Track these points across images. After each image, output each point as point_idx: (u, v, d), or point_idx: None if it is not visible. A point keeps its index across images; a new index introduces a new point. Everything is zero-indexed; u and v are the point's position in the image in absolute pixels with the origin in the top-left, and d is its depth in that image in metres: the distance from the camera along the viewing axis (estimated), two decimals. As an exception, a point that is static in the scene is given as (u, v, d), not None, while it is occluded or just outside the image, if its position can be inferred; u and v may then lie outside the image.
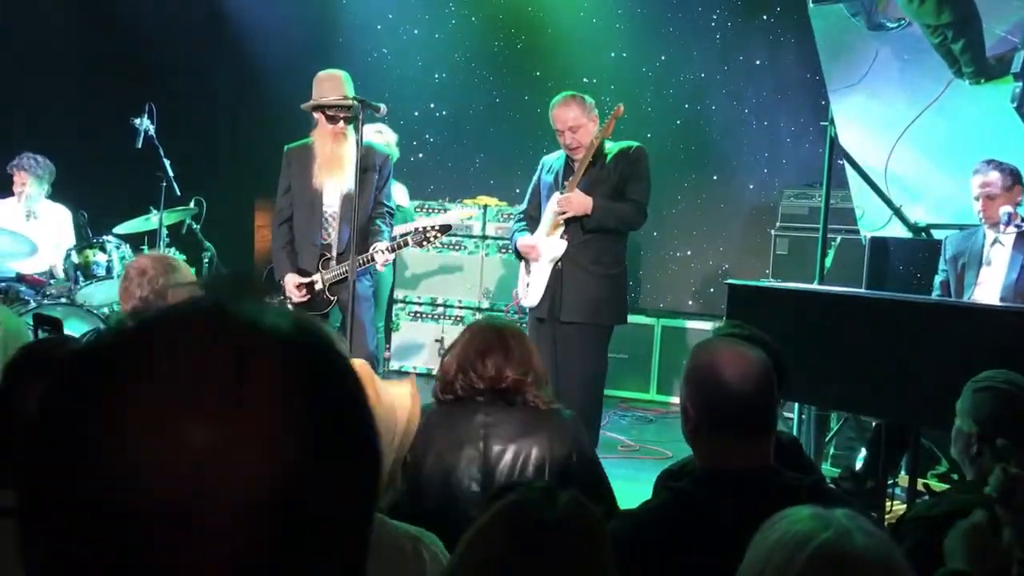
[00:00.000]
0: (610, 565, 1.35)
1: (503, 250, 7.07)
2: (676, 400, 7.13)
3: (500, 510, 1.35)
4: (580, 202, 4.53)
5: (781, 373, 2.01)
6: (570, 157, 4.70)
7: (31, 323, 3.43)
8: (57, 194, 6.24)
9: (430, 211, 7.18)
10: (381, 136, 5.76)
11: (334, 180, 4.65)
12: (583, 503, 1.38)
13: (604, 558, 1.35)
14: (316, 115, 4.69)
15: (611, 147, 4.69)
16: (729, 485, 1.83)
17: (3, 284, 5.58)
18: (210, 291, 0.64)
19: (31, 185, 6.00)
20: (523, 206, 5.02)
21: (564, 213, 4.56)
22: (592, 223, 4.56)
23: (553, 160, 4.86)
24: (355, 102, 4.56)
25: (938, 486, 4.12)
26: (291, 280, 4.71)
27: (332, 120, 4.61)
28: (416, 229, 4.70)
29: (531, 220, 4.88)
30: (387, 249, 4.57)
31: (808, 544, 1.19)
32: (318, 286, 4.70)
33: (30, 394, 1.56)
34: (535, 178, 4.95)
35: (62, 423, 0.58)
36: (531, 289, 4.74)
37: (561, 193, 4.61)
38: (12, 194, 6.07)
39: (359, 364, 1.45)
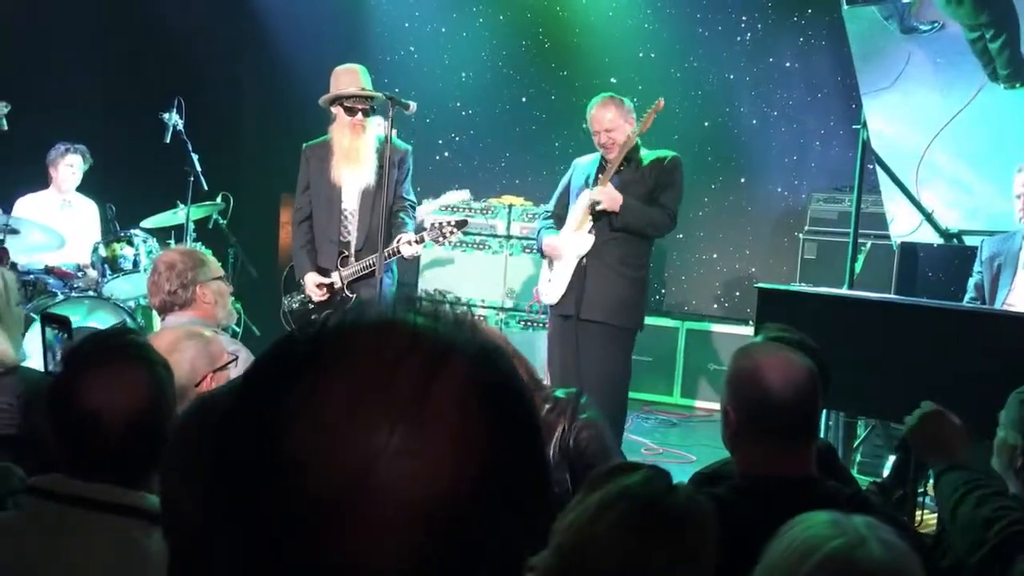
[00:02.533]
0: (712, 562, 1.34)
1: (527, 250, 7.03)
2: (700, 404, 7.08)
3: (620, 491, 1.34)
4: (612, 196, 4.50)
5: (824, 380, 1.97)
6: (603, 157, 4.68)
7: (37, 319, 3.43)
8: (85, 187, 6.28)
9: (455, 210, 7.15)
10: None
11: (352, 174, 4.64)
12: (701, 499, 1.38)
13: (711, 555, 1.34)
14: (334, 110, 4.69)
15: (646, 153, 4.67)
16: (769, 493, 1.79)
17: (32, 276, 5.61)
18: (406, 307, 0.67)
19: (79, 168, 6.11)
20: (550, 205, 4.98)
21: (597, 204, 4.52)
22: (620, 221, 4.53)
23: (586, 164, 4.82)
24: (382, 96, 4.56)
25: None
26: (311, 279, 4.70)
27: (350, 112, 4.61)
28: (432, 225, 4.69)
29: (557, 220, 4.85)
30: (415, 241, 4.56)
31: (816, 552, 1.13)
32: (336, 284, 4.70)
33: (88, 384, 1.57)
34: (565, 179, 4.91)
35: (259, 409, 0.62)
36: (552, 285, 4.70)
37: (591, 187, 4.58)
38: (45, 187, 6.15)
39: None
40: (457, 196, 6.77)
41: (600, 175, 4.62)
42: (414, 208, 4.88)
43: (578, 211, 4.67)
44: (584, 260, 4.60)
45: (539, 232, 4.91)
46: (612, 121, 4.57)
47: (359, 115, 4.61)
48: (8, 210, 5.85)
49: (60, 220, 5.95)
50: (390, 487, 0.58)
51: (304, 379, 0.61)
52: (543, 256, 4.87)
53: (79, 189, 6.23)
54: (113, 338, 1.73)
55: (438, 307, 0.67)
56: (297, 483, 0.58)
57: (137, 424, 1.57)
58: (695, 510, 1.38)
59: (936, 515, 4.03)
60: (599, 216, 4.57)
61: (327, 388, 0.60)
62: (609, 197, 4.50)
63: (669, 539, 1.31)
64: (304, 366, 0.62)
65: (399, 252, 4.57)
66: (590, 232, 4.60)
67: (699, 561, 1.34)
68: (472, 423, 0.61)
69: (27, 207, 6.03)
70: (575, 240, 4.63)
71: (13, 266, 5.47)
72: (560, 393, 2.58)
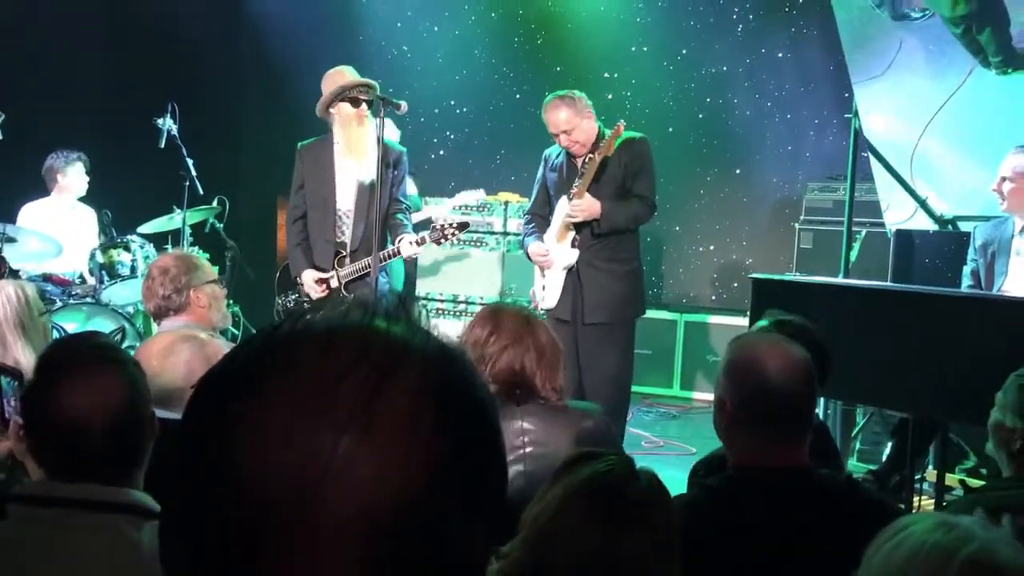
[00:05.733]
0: (677, 546, 1.35)
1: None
2: (699, 396, 7.10)
3: (584, 480, 1.35)
4: (589, 208, 4.46)
5: (824, 369, 1.96)
6: (570, 154, 4.65)
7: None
8: (82, 193, 6.31)
9: (472, 210, 7.11)
10: (394, 132, 5.76)
11: (352, 171, 4.66)
12: (661, 483, 1.40)
13: (674, 538, 1.36)
14: (333, 110, 4.68)
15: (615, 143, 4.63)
16: (763, 484, 1.79)
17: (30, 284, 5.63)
18: (365, 309, 0.64)
19: (84, 175, 6.19)
20: (529, 205, 4.94)
21: (575, 219, 4.50)
22: (603, 227, 4.50)
23: (554, 155, 4.78)
24: (377, 91, 4.59)
25: (973, 482, 4.06)
26: (309, 276, 4.70)
27: (355, 103, 4.62)
28: (433, 227, 4.70)
29: (539, 219, 4.82)
30: (415, 242, 4.57)
31: (954, 556, 1.08)
32: (334, 283, 4.70)
33: (63, 391, 1.57)
34: (539, 173, 4.89)
35: (205, 420, 0.61)
36: (547, 292, 4.69)
37: (568, 198, 4.54)
38: (44, 194, 6.18)
39: None
40: (472, 196, 6.76)
41: (576, 184, 4.52)
42: (409, 210, 4.88)
43: (558, 221, 4.63)
44: (575, 267, 4.58)
45: (523, 240, 4.89)
46: (567, 121, 4.48)
47: (363, 105, 4.63)
48: (11, 217, 5.87)
49: (66, 227, 6.00)
50: (337, 500, 0.56)
51: (250, 390, 0.59)
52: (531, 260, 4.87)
53: (74, 196, 6.27)
54: (81, 342, 1.72)
55: (395, 310, 0.65)
56: (241, 499, 0.57)
57: (116, 424, 1.57)
58: (659, 495, 1.38)
59: (933, 501, 4.05)
60: (580, 224, 4.54)
61: (272, 399, 0.58)
62: (584, 211, 4.46)
63: (635, 526, 1.32)
64: (251, 376, 0.60)
65: (399, 252, 4.58)
66: (574, 245, 4.57)
67: (664, 545, 1.35)
68: (424, 429, 0.59)
69: (33, 214, 6.06)
70: (560, 253, 4.61)
71: (14, 273, 5.49)
72: (586, 407, 2.52)
